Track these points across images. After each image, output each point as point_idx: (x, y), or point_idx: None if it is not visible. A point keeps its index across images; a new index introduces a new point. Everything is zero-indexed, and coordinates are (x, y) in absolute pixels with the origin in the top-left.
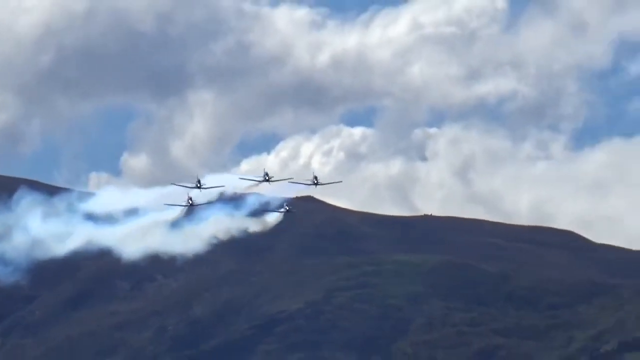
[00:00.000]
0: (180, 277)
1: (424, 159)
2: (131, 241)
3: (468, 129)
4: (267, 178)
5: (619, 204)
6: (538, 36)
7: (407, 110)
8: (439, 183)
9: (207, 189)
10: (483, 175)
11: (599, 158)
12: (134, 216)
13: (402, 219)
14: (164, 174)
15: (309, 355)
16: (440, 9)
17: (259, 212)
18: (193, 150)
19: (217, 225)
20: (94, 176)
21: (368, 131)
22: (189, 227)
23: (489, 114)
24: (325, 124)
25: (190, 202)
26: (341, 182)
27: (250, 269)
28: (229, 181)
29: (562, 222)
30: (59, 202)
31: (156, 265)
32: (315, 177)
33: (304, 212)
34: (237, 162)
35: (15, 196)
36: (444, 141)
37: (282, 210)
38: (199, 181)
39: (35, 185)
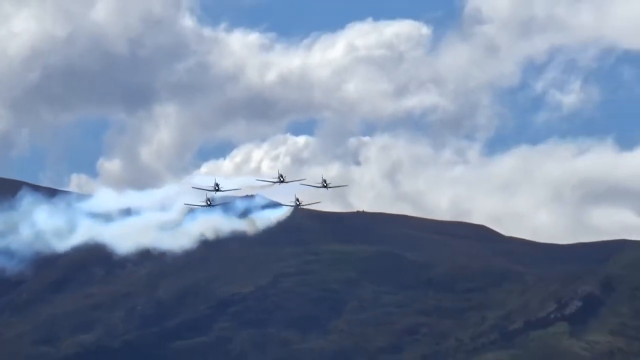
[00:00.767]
0: (148, 265)
1: (358, 163)
2: (125, 238)
3: (396, 138)
4: (281, 180)
5: (525, 202)
6: (456, 58)
7: (343, 121)
8: (371, 184)
9: (225, 191)
10: (408, 177)
11: (508, 162)
12: (129, 216)
13: (339, 215)
14: (134, 175)
15: (258, 332)
16: (372, 34)
17: (268, 206)
18: (159, 155)
19: (207, 225)
20: (74, 177)
21: (310, 139)
22: (181, 226)
23: (414, 124)
24: (273, 133)
25: (209, 202)
26: (347, 185)
27: (208, 257)
28: (246, 183)
29: (476, 218)
30: (59, 202)
31: (140, 257)
32: (325, 181)
33: None
34: (198, 166)
35: (19, 196)
36: (375, 148)
37: (293, 204)
38: (217, 184)
39: (35, 187)
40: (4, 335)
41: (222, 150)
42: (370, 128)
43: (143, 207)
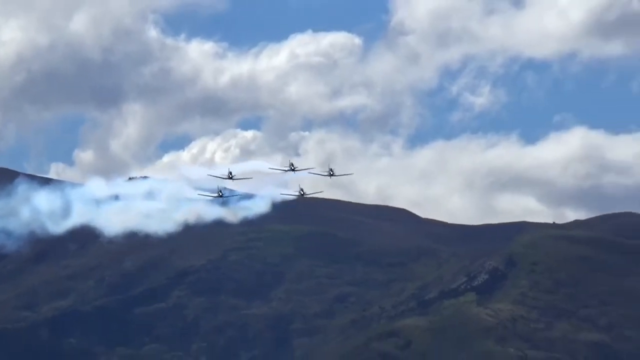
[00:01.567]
0: (116, 240)
1: (298, 154)
2: (113, 221)
3: (330, 133)
4: (292, 168)
5: (441, 189)
6: (383, 64)
7: (285, 118)
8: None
9: (239, 179)
10: (341, 167)
11: (426, 155)
12: (117, 201)
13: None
14: (105, 164)
15: (210, 299)
16: (311, 44)
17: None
18: (126, 147)
19: (191, 213)
20: (54, 165)
21: (257, 134)
22: (166, 213)
23: (346, 121)
24: (225, 128)
25: (220, 194)
26: (352, 174)
27: (167, 233)
28: (258, 171)
29: (398, 202)
30: (54, 189)
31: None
32: (331, 169)
33: None
34: (160, 156)
35: (16, 183)
36: (312, 142)
37: (298, 193)
38: (230, 172)
39: (30, 176)
40: None
41: (181, 143)
42: (309, 124)
43: (132, 195)
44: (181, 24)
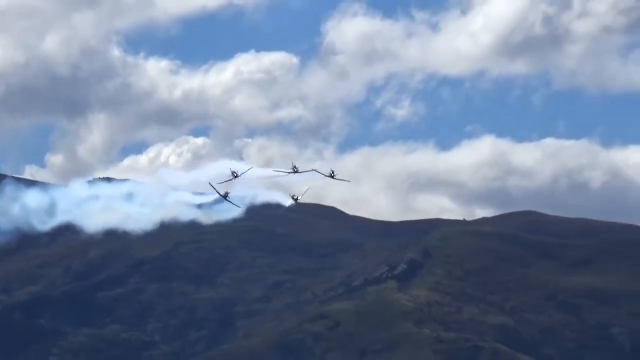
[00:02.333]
0: (84, 234)
1: (242, 159)
2: (94, 219)
3: (270, 140)
4: (295, 170)
5: (367, 189)
6: (317, 80)
7: (231, 127)
8: (250, 174)
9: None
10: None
11: (354, 159)
12: (97, 201)
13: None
14: (73, 167)
15: (163, 286)
16: (254, 62)
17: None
18: (92, 152)
19: (167, 213)
20: (28, 167)
21: (206, 140)
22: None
23: (284, 130)
24: (178, 136)
25: (226, 194)
26: (350, 181)
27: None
28: (263, 174)
29: (329, 201)
30: (39, 190)
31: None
32: (332, 171)
33: None
34: (121, 160)
35: (2, 185)
36: (254, 148)
37: (295, 198)
38: (234, 172)
39: (17, 179)
40: None
41: (139, 148)
42: (252, 132)
43: (114, 196)
44: (140, 44)
